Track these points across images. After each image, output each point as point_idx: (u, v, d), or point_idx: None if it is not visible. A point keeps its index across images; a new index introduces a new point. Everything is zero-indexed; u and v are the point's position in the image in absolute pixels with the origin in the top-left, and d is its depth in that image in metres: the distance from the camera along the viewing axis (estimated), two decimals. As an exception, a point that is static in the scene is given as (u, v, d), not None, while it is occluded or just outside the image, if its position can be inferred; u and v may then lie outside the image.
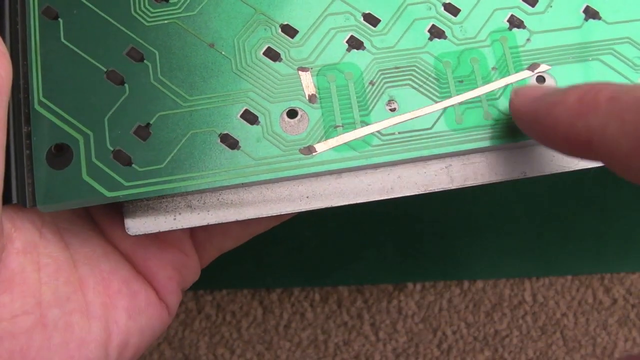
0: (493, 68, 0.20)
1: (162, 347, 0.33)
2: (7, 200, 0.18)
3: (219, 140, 0.19)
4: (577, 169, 0.20)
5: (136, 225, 0.19)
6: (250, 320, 0.33)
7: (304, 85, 0.20)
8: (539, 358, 0.33)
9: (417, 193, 0.19)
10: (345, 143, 0.19)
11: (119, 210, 0.20)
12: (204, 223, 0.19)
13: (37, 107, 0.19)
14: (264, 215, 0.19)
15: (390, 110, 0.20)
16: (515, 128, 0.19)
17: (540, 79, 0.20)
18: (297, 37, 0.20)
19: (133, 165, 0.19)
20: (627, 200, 0.34)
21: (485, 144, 0.19)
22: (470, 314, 0.34)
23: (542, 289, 0.34)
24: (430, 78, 0.20)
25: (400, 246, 0.34)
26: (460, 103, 0.20)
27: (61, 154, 0.19)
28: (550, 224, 0.34)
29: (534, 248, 0.34)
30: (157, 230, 0.19)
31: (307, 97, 0.19)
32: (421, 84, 0.20)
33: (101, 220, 0.20)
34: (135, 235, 0.19)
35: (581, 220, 0.34)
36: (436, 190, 0.19)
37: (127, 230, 0.19)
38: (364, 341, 0.33)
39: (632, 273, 0.34)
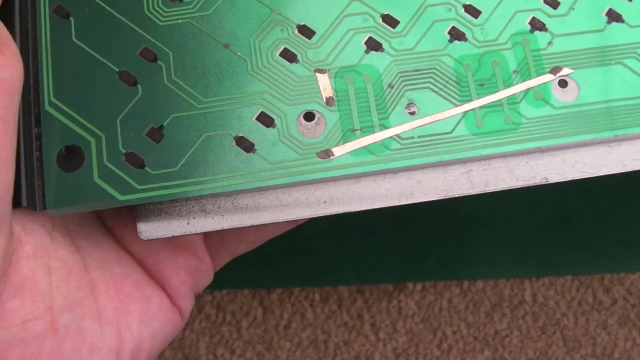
0: (514, 71, 0.20)
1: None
2: (16, 203, 0.18)
3: (234, 143, 0.19)
4: (600, 174, 0.20)
5: (149, 229, 0.19)
6: (250, 320, 0.33)
7: (321, 87, 0.19)
8: (539, 358, 0.33)
9: (437, 198, 0.19)
10: (363, 147, 0.19)
11: (130, 214, 0.19)
12: (219, 228, 0.19)
13: (47, 107, 0.19)
14: (280, 221, 0.19)
15: (410, 113, 0.19)
16: (536, 132, 0.19)
17: (563, 83, 0.20)
18: (315, 38, 0.19)
19: (146, 168, 0.18)
20: (627, 200, 0.34)
21: (507, 148, 0.19)
22: (470, 314, 0.34)
23: (542, 289, 0.34)
24: (450, 81, 0.19)
25: (401, 246, 0.34)
26: (481, 107, 0.19)
27: (72, 156, 0.18)
28: (551, 224, 0.34)
29: (534, 248, 0.34)
30: (170, 235, 0.18)
31: (324, 100, 0.19)
32: (441, 87, 0.19)
33: (112, 223, 0.20)
34: (148, 240, 0.18)
35: (581, 220, 0.34)
36: (457, 196, 0.19)
37: (139, 235, 0.18)
38: (364, 341, 0.33)
39: (632, 273, 0.34)
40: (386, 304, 0.33)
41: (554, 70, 0.20)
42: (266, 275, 0.33)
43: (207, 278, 0.21)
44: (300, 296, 0.33)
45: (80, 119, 0.19)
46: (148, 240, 0.19)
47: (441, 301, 0.34)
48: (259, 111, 0.19)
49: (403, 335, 0.33)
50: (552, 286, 0.34)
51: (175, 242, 0.20)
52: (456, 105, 0.19)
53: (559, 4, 0.20)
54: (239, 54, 0.19)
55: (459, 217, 0.34)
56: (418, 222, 0.34)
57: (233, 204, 0.19)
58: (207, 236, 0.21)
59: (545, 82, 0.20)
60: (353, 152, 0.19)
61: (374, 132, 0.19)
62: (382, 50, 0.19)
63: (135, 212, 0.19)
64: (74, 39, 0.19)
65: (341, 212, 0.19)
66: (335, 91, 0.19)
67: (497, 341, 0.33)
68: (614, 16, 0.20)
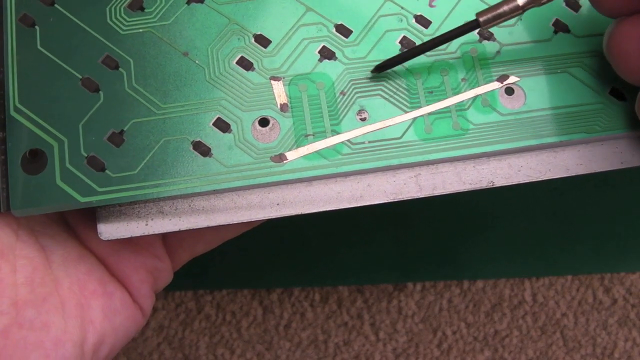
0: (463, 79, 0.20)
1: (162, 347, 0.33)
2: (-19, 204, 0.18)
3: (191, 147, 0.19)
4: (544, 179, 0.20)
5: (109, 230, 0.19)
6: (250, 320, 0.33)
7: (275, 94, 0.20)
8: (539, 358, 0.33)
9: (386, 201, 0.20)
10: (315, 151, 0.19)
11: (93, 215, 0.20)
12: (176, 229, 0.19)
13: (12, 113, 0.19)
14: (235, 222, 0.19)
15: (361, 119, 0.20)
16: (483, 137, 0.20)
17: (509, 91, 0.20)
18: (270, 47, 0.20)
19: (106, 171, 0.19)
20: (627, 200, 0.34)
21: (454, 153, 0.20)
22: (470, 314, 0.34)
23: (542, 289, 0.34)
24: (400, 88, 0.20)
25: (400, 246, 0.34)
26: (430, 113, 0.20)
27: (36, 160, 0.19)
28: (551, 224, 0.34)
29: (534, 248, 0.34)
30: (129, 236, 0.19)
31: (278, 106, 0.20)
32: (392, 94, 0.20)
33: (76, 224, 0.21)
34: (108, 240, 0.19)
35: (581, 220, 0.34)
36: (405, 199, 0.20)
37: (99, 235, 0.19)
38: (364, 341, 0.33)
39: (632, 273, 0.34)
40: (386, 304, 0.34)
41: (501, 79, 0.20)
42: (266, 276, 0.33)
43: (167, 277, 0.22)
44: (300, 296, 0.34)
45: (44, 124, 0.19)
46: (108, 240, 0.19)
47: (441, 301, 0.34)
48: (216, 117, 0.20)
49: (403, 335, 0.33)
50: (552, 286, 0.34)
51: (135, 242, 0.21)
52: (406, 112, 0.20)
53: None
54: (197, 62, 0.20)
55: (459, 217, 0.34)
56: (418, 222, 0.34)
57: (190, 206, 0.19)
58: (166, 237, 0.22)
59: (493, 90, 0.20)
60: (306, 157, 0.19)
61: (326, 137, 0.20)
62: (335, 58, 0.20)
63: (96, 214, 0.19)
64: (39, 46, 0.20)
65: (293, 214, 0.20)
66: (290, 98, 0.20)
67: (497, 341, 0.33)
68: (560, 27, 0.21)
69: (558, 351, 0.33)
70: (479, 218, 0.34)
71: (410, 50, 0.20)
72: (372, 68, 0.20)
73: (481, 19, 0.19)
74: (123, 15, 0.20)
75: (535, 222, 0.34)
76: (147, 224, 0.19)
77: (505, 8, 0.19)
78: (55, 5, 0.20)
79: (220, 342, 0.33)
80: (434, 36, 0.21)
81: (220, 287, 0.33)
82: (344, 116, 0.20)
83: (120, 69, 0.20)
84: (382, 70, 0.20)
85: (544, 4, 0.19)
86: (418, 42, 0.20)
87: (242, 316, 0.33)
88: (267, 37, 0.20)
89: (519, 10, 0.19)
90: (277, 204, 0.20)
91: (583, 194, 0.34)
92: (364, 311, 0.34)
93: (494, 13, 0.19)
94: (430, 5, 0.21)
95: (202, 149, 0.19)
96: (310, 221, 0.34)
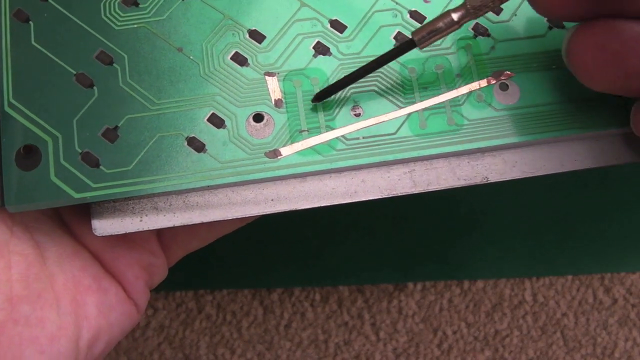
0: (457, 75, 0.20)
1: (163, 347, 0.33)
2: (-24, 200, 0.19)
3: (185, 143, 0.19)
4: (539, 174, 0.20)
5: (103, 226, 0.19)
6: (250, 320, 0.33)
7: (270, 89, 0.20)
8: (540, 358, 0.33)
9: (380, 197, 0.20)
10: (310, 147, 0.20)
11: (87, 211, 0.20)
12: (170, 225, 0.19)
13: (6, 108, 0.19)
14: (229, 218, 0.19)
15: (355, 115, 0.20)
16: (478, 133, 0.20)
17: (504, 86, 0.20)
18: (265, 42, 0.20)
19: (101, 167, 0.19)
20: (627, 200, 0.34)
21: (449, 149, 0.20)
22: (471, 313, 0.34)
23: (543, 289, 0.34)
24: (395, 84, 0.20)
25: (401, 246, 0.34)
26: (425, 109, 0.20)
27: (30, 156, 0.19)
28: (551, 224, 0.34)
29: (534, 248, 0.34)
30: (123, 232, 0.19)
31: (273, 102, 0.20)
32: (386, 90, 0.20)
33: (70, 220, 0.21)
34: (102, 236, 0.19)
35: (581, 220, 0.34)
36: (399, 195, 0.20)
37: (94, 231, 0.19)
38: (365, 341, 0.33)
39: (632, 273, 0.34)
40: (386, 304, 0.34)
41: (496, 74, 0.20)
42: (267, 276, 0.33)
43: (162, 273, 0.22)
44: (300, 296, 0.33)
45: (39, 120, 0.19)
46: (102, 236, 0.19)
47: (441, 301, 0.34)
48: (210, 113, 0.20)
49: (403, 335, 0.33)
50: (553, 286, 0.34)
51: (130, 238, 0.21)
52: (400, 108, 0.20)
53: (501, 10, 0.21)
54: (191, 57, 0.20)
55: (459, 217, 0.34)
56: (418, 222, 0.34)
57: (184, 202, 0.19)
58: (160, 233, 0.22)
59: (487, 86, 0.20)
60: (300, 152, 0.19)
61: (320, 133, 0.20)
62: (330, 54, 0.20)
63: (90, 210, 0.19)
64: (33, 42, 0.20)
65: (288, 210, 0.20)
66: (284, 93, 0.20)
67: (497, 341, 0.33)
68: (555, 22, 0.21)
69: (558, 351, 0.33)
70: (479, 218, 0.34)
71: (347, 77, 0.19)
72: (363, 65, 0.20)
73: (416, 38, 0.19)
74: (117, 10, 0.20)
75: (535, 222, 0.34)
76: (141, 220, 0.19)
77: (441, 24, 0.18)
78: (50, 1, 0.20)
79: (220, 342, 0.33)
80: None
81: (221, 287, 0.33)
82: (338, 112, 0.20)
83: (114, 64, 0.20)
84: (321, 100, 0.20)
85: (480, 16, 0.19)
86: (413, 38, 0.20)
87: (243, 316, 0.33)
88: (261, 32, 0.20)
89: (455, 26, 0.18)
90: (272, 200, 0.20)
91: (583, 194, 0.34)
92: (365, 311, 0.34)
93: (429, 29, 0.19)
94: (425, 1, 0.21)
95: (197, 145, 0.19)
96: (311, 221, 0.34)
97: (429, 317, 0.34)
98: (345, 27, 0.20)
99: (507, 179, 0.20)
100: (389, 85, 0.20)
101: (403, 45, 0.19)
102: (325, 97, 0.20)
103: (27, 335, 0.18)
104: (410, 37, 0.19)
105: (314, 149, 0.19)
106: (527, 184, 0.33)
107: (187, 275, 0.33)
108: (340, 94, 0.20)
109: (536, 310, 0.34)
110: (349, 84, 0.20)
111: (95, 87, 0.20)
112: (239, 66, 0.20)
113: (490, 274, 0.34)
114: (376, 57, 0.19)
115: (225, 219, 0.19)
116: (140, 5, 0.20)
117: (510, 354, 0.33)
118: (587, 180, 0.34)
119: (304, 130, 0.20)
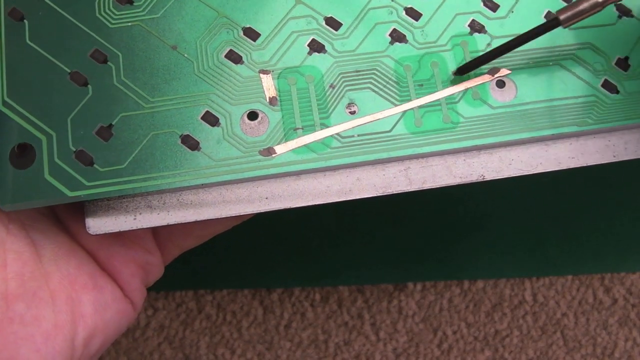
0: (453, 72, 0.20)
1: (163, 347, 0.33)
2: (-31, 199, 0.18)
3: (179, 141, 0.19)
4: (536, 172, 0.20)
5: (97, 224, 0.19)
6: (250, 320, 0.33)
7: (264, 87, 0.20)
8: (540, 358, 0.33)
9: (375, 195, 0.20)
10: (304, 145, 0.19)
11: (82, 209, 0.20)
12: (164, 223, 0.19)
13: (1, 107, 0.19)
14: (223, 216, 0.19)
15: (350, 113, 0.20)
16: (474, 131, 0.20)
17: (500, 84, 0.20)
18: (259, 40, 0.20)
19: (95, 165, 0.19)
20: (627, 200, 0.34)
21: (445, 147, 0.20)
22: (471, 313, 0.34)
23: (543, 289, 0.34)
24: (390, 82, 0.20)
25: (401, 246, 0.34)
26: (420, 106, 0.20)
27: (24, 154, 0.19)
28: (551, 224, 0.34)
29: (534, 248, 0.34)
30: (117, 230, 0.19)
31: (267, 100, 0.20)
32: (381, 87, 0.20)
33: (65, 218, 0.21)
34: (96, 235, 0.19)
35: (581, 220, 0.34)
36: (395, 193, 0.20)
37: (87, 230, 0.19)
38: (365, 341, 0.33)
39: (632, 273, 0.34)
40: (386, 304, 0.34)
41: (492, 71, 0.20)
42: (267, 276, 0.33)
43: (158, 271, 0.22)
44: (300, 296, 0.34)
45: (33, 118, 0.19)
46: (96, 235, 0.19)
47: (441, 301, 0.34)
48: (204, 111, 0.20)
49: (403, 335, 0.33)
50: (553, 286, 0.34)
51: (126, 236, 0.21)
52: (396, 105, 0.20)
53: (498, 6, 0.21)
54: (186, 55, 0.20)
55: (459, 217, 0.34)
56: (418, 222, 0.34)
57: (178, 200, 0.19)
58: (155, 231, 0.22)
59: (484, 83, 0.20)
60: (295, 150, 0.19)
61: (315, 131, 0.20)
62: (325, 51, 0.20)
63: (84, 208, 0.19)
64: (27, 41, 0.20)
65: (282, 208, 0.19)
66: (279, 91, 0.20)
67: (497, 341, 0.33)
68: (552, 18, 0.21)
69: (558, 351, 0.33)
70: (480, 218, 0.34)
71: (490, 52, 0.20)
72: (363, 65, 0.20)
73: (562, 17, 0.19)
74: (112, 8, 0.20)
75: (535, 222, 0.34)
76: (135, 218, 0.19)
77: (586, 5, 0.19)
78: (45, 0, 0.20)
79: (220, 342, 0.33)
80: (423, 29, 0.20)
81: (221, 287, 0.33)
82: (333, 109, 0.20)
83: (109, 62, 0.20)
84: (463, 73, 0.20)
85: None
86: (408, 35, 0.20)
87: (243, 316, 0.33)
88: (256, 30, 0.20)
89: (599, 7, 0.19)
90: (266, 198, 0.19)
91: (583, 194, 0.34)
92: (365, 311, 0.34)
93: (575, 10, 0.19)
94: (421, -2, 0.21)
95: (191, 143, 0.19)
96: (311, 221, 0.34)
97: (429, 317, 0.34)
98: (341, 24, 0.20)
99: (504, 176, 0.20)
100: (384, 83, 0.20)
101: (547, 24, 0.19)
102: (467, 71, 0.20)
103: (23, 333, 0.18)
104: (554, 15, 0.19)
105: (308, 147, 0.19)
106: (526, 184, 0.33)
107: (187, 275, 0.33)
108: (334, 91, 0.20)
109: (536, 310, 0.34)
110: (491, 60, 0.20)
111: (89, 86, 0.20)
112: (233, 64, 0.20)
113: (490, 274, 0.34)
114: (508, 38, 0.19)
115: (219, 217, 0.19)
116: (134, 3, 0.20)
117: (510, 354, 0.33)
118: (587, 180, 0.34)
119: (298, 128, 0.20)
